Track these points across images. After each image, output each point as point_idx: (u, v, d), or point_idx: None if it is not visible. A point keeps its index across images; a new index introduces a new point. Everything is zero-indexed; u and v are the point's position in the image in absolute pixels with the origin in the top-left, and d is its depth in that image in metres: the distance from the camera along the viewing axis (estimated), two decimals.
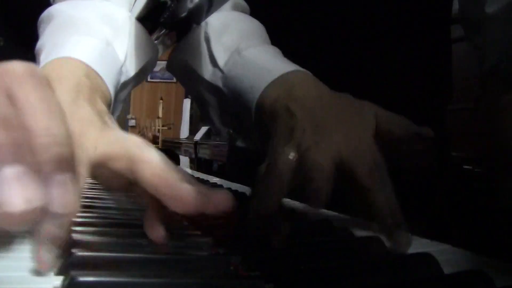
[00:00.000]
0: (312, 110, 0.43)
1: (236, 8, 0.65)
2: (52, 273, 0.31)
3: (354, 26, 0.70)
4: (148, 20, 0.66)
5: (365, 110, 0.44)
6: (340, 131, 0.41)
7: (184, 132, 5.07)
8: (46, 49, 0.54)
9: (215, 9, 0.56)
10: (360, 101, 0.45)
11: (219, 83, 0.57)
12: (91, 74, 0.48)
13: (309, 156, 0.39)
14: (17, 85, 0.26)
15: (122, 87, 0.59)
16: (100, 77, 0.49)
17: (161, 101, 6.01)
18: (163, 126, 5.78)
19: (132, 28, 0.60)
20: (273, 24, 0.70)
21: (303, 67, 0.52)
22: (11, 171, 0.18)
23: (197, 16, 0.53)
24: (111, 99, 0.51)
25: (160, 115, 5.85)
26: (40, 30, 0.61)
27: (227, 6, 0.63)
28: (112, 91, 0.51)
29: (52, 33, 0.56)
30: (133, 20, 0.61)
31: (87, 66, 0.48)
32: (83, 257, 0.31)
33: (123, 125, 6.28)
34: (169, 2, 0.58)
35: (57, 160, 0.26)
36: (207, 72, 0.59)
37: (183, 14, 0.60)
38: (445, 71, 0.76)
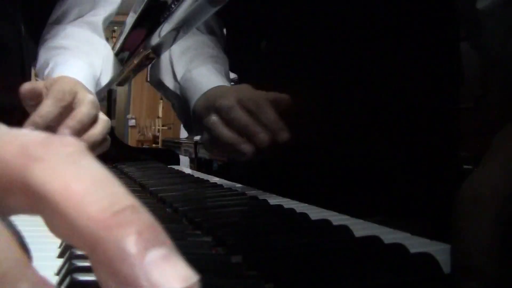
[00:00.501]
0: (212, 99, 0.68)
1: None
2: (53, 273, 0.31)
3: (363, 26, 0.71)
4: (148, 20, 0.66)
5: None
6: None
7: (184, 132, 5.07)
8: (50, 67, 0.84)
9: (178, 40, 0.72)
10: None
11: (178, 92, 0.82)
12: (82, 85, 0.76)
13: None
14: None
15: (97, 94, 0.84)
16: (87, 88, 0.76)
17: (161, 101, 6.01)
18: (163, 126, 5.79)
19: (105, 53, 0.93)
20: (275, 23, 0.71)
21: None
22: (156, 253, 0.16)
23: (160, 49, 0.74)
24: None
25: (160, 115, 5.85)
26: (42, 51, 0.93)
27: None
28: None
29: (54, 54, 0.88)
30: (107, 46, 0.96)
31: (79, 81, 0.76)
32: (83, 256, 0.31)
33: (123, 124, 6.29)
34: (169, 2, 0.58)
35: None
36: (171, 84, 0.84)
37: (183, 14, 0.60)
38: (454, 70, 0.76)
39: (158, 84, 0.89)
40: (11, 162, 0.15)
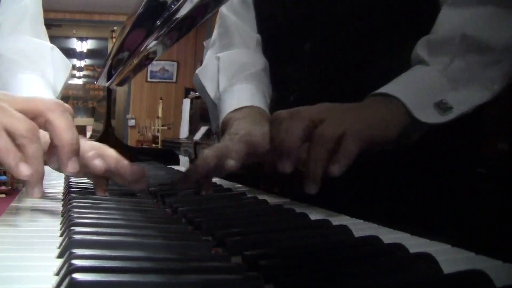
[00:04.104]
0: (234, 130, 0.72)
1: (249, 43, 0.90)
2: (52, 273, 0.31)
3: (370, 26, 0.71)
4: (147, 20, 0.66)
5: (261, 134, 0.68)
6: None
7: (184, 132, 5.06)
8: (0, 85, 0.81)
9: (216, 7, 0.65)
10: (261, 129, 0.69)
11: (217, 102, 0.85)
12: None
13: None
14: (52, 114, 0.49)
15: None
16: None
17: (160, 101, 6.01)
18: (162, 126, 5.78)
19: (53, 55, 0.91)
20: (276, 23, 0.72)
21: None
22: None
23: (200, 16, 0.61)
24: None
25: (160, 115, 5.85)
26: None
27: (241, 43, 0.90)
28: None
29: (1, 72, 0.84)
30: (54, 48, 0.92)
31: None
32: (83, 256, 0.31)
33: (123, 124, 6.28)
34: (168, 2, 0.58)
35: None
36: (212, 92, 0.87)
37: (183, 14, 0.60)
38: None
39: (200, 88, 0.92)
40: (41, 109, 0.48)
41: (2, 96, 0.48)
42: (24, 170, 0.44)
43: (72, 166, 0.49)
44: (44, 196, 0.47)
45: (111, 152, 0.61)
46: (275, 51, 0.87)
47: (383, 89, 0.61)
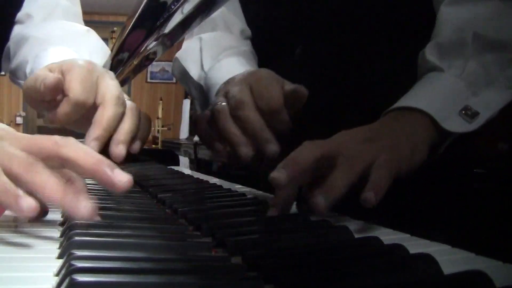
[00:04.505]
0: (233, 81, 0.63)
1: (233, 30, 0.84)
2: (52, 274, 0.31)
3: (374, 26, 0.71)
4: (147, 20, 0.66)
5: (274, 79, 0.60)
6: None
7: (184, 132, 5.06)
8: (30, 62, 0.76)
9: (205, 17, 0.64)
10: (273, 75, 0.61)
11: (202, 82, 0.77)
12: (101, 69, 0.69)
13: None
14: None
15: None
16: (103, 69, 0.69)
17: (160, 101, 6.01)
18: (162, 126, 5.78)
19: (89, 38, 0.85)
20: (276, 23, 0.71)
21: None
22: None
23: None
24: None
25: (160, 115, 5.85)
26: (13, 51, 0.83)
27: (225, 28, 0.83)
28: None
29: (30, 50, 0.78)
30: (90, 31, 0.86)
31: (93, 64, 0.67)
32: (83, 257, 0.31)
33: None
34: (169, 2, 0.58)
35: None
36: (196, 73, 0.79)
37: (183, 14, 0.60)
38: None
39: (181, 74, 0.84)
40: (50, 148, 0.41)
41: (4, 133, 0.42)
42: (23, 204, 0.37)
43: (121, 182, 0.41)
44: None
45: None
46: (263, 55, 0.83)
47: (403, 103, 0.56)
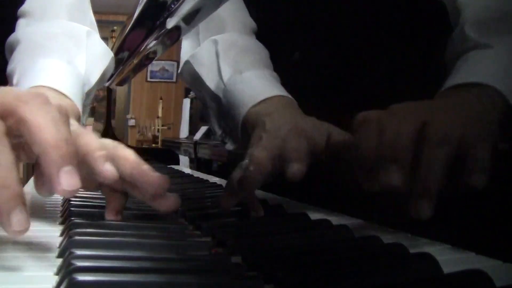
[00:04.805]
0: (279, 125, 0.55)
1: (245, 29, 0.75)
2: (52, 273, 0.31)
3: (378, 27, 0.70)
4: (147, 20, 0.66)
5: (318, 128, 0.54)
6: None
7: (184, 132, 5.06)
8: (17, 74, 0.65)
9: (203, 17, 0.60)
10: (318, 122, 0.55)
11: (220, 94, 0.67)
12: (62, 97, 0.59)
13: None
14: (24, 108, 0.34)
15: (87, 95, 0.70)
16: (69, 97, 0.60)
17: (160, 100, 6.00)
18: (162, 126, 5.78)
19: (89, 41, 0.73)
20: (276, 23, 0.70)
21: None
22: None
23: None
24: (79, 113, 0.62)
25: (160, 115, 5.84)
26: (8, 55, 0.72)
27: (236, 27, 0.74)
28: (79, 104, 0.62)
29: (20, 58, 0.68)
30: (91, 33, 0.74)
31: (57, 91, 0.59)
32: (83, 256, 0.31)
33: (123, 124, 6.28)
34: (169, 2, 0.58)
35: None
36: (212, 82, 0.69)
37: (183, 14, 0.60)
38: None
39: (193, 78, 0.74)
40: (9, 102, 0.33)
41: None
42: None
43: (66, 180, 0.33)
44: (26, 229, 0.32)
45: (128, 154, 0.44)
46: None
47: (461, 79, 0.49)
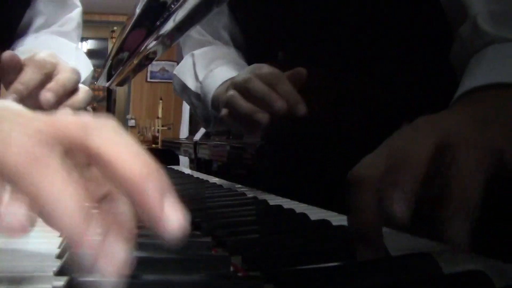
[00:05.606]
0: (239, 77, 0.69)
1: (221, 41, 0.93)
2: (52, 273, 0.31)
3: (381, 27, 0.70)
4: (147, 20, 0.66)
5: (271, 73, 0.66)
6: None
7: (184, 132, 5.06)
8: None
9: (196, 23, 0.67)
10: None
11: (199, 91, 0.85)
12: (61, 58, 0.72)
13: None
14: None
15: None
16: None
17: (160, 101, 6.01)
18: (162, 126, 5.78)
19: (77, 52, 0.93)
20: (276, 23, 0.71)
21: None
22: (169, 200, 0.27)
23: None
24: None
25: (160, 115, 5.85)
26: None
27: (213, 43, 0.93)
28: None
29: None
30: (78, 49, 0.95)
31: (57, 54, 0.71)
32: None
33: (123, 125, 6.28)
34: (169, 2, 0.58)
35: None
36: (192, 84, 0.88)
37: (183, 14, 0.60)
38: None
39: (181, 88, 0.93)
40: (75, 133, 0.24)
41: (6, 113, 0.25)
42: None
43: (174, 214, 0.25)
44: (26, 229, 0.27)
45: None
46: (247, 59, 0.88)
47: (484, 80, 0.43)
